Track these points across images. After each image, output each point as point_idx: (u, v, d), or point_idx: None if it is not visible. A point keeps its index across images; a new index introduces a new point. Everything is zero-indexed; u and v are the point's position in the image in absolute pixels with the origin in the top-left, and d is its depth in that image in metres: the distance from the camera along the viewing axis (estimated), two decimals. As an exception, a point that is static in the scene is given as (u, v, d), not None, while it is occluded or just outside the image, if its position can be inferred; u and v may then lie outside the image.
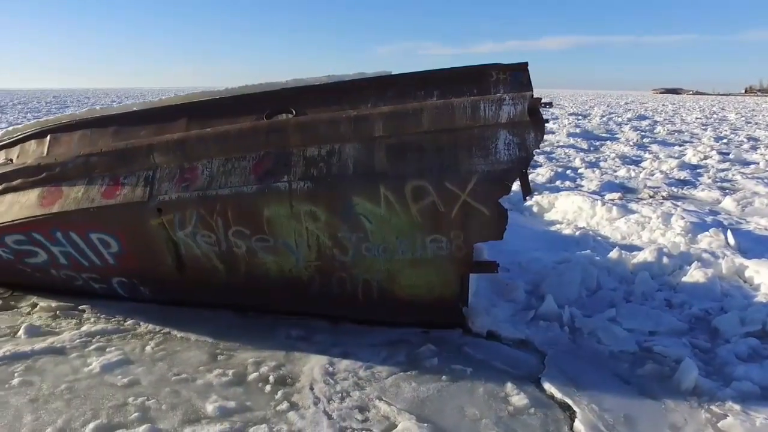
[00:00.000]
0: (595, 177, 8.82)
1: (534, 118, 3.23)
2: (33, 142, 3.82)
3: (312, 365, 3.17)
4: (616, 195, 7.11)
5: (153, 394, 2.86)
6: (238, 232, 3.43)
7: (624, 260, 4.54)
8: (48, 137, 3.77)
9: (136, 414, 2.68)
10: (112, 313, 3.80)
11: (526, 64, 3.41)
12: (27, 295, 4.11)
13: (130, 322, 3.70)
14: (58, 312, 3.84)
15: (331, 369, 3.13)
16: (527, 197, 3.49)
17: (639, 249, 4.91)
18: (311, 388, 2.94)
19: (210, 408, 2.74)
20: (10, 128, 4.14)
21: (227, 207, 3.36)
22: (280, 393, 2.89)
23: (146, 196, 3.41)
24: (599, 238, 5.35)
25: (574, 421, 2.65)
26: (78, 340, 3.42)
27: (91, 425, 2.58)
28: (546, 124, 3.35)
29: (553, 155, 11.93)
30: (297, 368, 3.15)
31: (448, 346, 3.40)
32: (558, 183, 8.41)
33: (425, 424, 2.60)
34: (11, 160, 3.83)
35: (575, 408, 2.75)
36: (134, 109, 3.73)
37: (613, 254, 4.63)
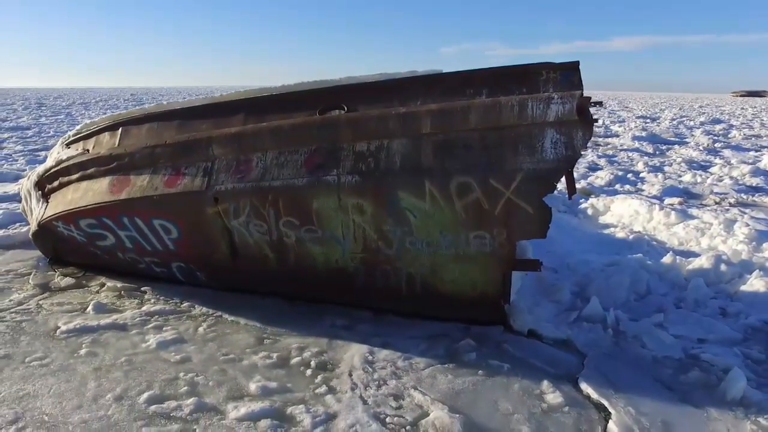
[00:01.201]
0: (658, 181, 8.50)
1: (583, 118, 3.20)
2: (107, 134, 4.13)
3: (352, 353, 3.28)
4: (676, 200, 6.84)
5: (202, 371, 3.05)
6: (288, 223, 3.59)
7: (678, 266, 4.39)
8: (120, 129, 4.07)
9: (185, 388, 2.88)
10: (170, 296, 4.06)
11: (577, 63, 3.39)
12: (97, 275, 4.45)
13: (186, 304, 3.94)
14: (122, 292, 4.14)
15: (370, 357, 3.23)
16: (572, 196, 3.45)
17: (696, 255, 4.72)
18: (350, 375, 3.05)
19: (253, 387, 2.89)
20: (88, 121, 4.48)
21: (279, 198, 3.52)
22: (319, 377, 3.01)
23: (204, 186, 3.63)
24: (654, 242, 5.17)
25: (608, 423, 2.63)
26: (138, 318, 3.69)
27: (145, 395, 2.79)
28: (594, 124, 3.31)
29: (616, 159, 11.55)
30: (338, 355, 3.27)
31: (487, 342, 3.42)
32: (617, 186, 8.16)
33: (457, 415, 2.65)
34: (87, 150, 4.15)
35: (611, 409, 2.72)
36: (197, 104, 3.96)
37: (667, 259, 4.48)
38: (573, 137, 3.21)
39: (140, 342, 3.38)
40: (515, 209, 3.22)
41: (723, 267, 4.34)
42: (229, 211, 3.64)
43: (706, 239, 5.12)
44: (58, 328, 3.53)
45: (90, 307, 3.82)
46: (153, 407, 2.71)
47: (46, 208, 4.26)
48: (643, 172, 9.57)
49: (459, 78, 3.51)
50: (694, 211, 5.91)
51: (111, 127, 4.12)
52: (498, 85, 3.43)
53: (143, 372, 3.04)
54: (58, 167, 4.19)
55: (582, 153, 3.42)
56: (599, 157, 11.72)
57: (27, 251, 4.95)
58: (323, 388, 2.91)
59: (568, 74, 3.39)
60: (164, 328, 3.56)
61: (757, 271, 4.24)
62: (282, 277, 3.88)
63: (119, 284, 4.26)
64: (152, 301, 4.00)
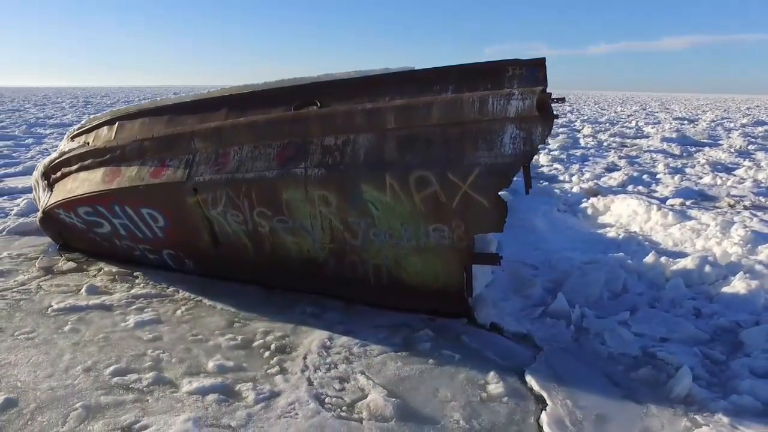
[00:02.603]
0: (673, 183, 8.30)
1: (543, 113, 3.24)
2: (105, 128, 4.41)
3: (313, 338, 3.42)
4: (678, 201, 6.68)
5: (169, 349, 3.26)
6: (261, 213, 3.76)
7: (661, 265, 4.34)
8: (116, 124, 4.34)
9: (149, 363, 3.08)
10: (159, 281, 4.30)
11: (543, 59, 3.43)
12: (98, 261, 4.75)
13: (171, 289, 4.17)
14: (116, 276, 4.41)
15: (328, 343, 3.36)
16: (528, 191, 3.49)
17: (685, 256, 4.65)
18: (304, 358, 3.19)
19: (211, 365, 3.08)
20: (92, 116, 4.78)
21: (252, 189, 3.70)
22: (275, 359, 3.17)
23: (185, 177, 3.84)
24: (647, 243, 5.10)
25: (541, 414, 2.67)
26: (125, 300, 3.93)
27: (111, 368, 3.01)
28: (555, 119, 3.35)
29: (637, 160, 11.30)
30: (299, 340, 3.41)
31: (446, 333, 3.51)
32: (630, 187, 8.02)
33: (393, 399, 2.74)
34: (88, 143, 4.44)
35: (549, 401, 2.77)
36: (185, 100, 4.18)
37: (649, 259, 4.43)
38: (532, 132, 3.26)
39: (120, 321, 3.61)
40: (472, 203, 3.29)
41: (708, 268, 4.27)
42: (208, 201, 3.85)
43: (701, 240, 5.01)
44: (51, 306, 3.81)
45: (83, 289, 4.09)
46: (115, 379, 2.92)
47: (50, 197, 4.58)
48: (661, 173, 9.34)
49: (427, 75, 3.60)
50: (693, 213, 5.78)
51: (109, 122, 4.39)
52: (464, 81, 3.50)
53: (115, 348, 3.26)
54: (61, 158, 4.50)
55: (539, 148, 3.45)
56: (620, 158, 11.48)
57: (41, 238, 5.30)
58: (275, 369, 3.06)
59: (533, 71, 3.43)
60: (145, 310, 3.79)
61: (742, 273, 4.15)
62: (259, 265, 4.06)
63: (115, 269, 4.54)
64: (141, 285, 4.25)
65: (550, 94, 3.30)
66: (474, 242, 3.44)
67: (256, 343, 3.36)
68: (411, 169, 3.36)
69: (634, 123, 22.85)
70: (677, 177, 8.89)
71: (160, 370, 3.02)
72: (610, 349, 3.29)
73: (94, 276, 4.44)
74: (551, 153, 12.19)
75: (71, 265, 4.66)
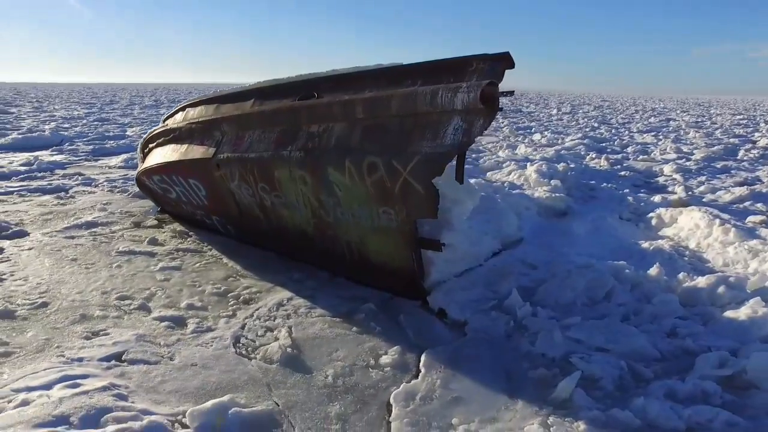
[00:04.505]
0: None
1: (488, 106, 3.32)
2: (180, 113, 5.45)
3: (276, 296, 3.95)
4: (758, 218, 5.61)
5: (167, 288, 4.06)
6: (263, 188, 4.39)
7: (663, 280, 3.95)
8: (186, 110, 5.34)
9: (144, 294, 3.92)
10: (203, 240, 5.21)
11: (506, 54, 3.46)
12: (174, 221, 5.86)
13: (207, 247, 5.04)
14: (177, 234, 5.44)
15: (285, 302, 3.86)
16: (461, 182, 3.52)
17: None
18: (256, 309, 3.73)
19: (184, 303, 3.79)
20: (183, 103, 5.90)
21: (254, 167, 4.34)
22: (234, 307, 3.77)
23: (212, 155, 4.64)
24: (687, 258, 4.56)
25: (401, 386, 2.82)
26: (167, 251, 4.89)
27: (118, 294, 3.91)
28: (498, 112, 3.38)
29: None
30: (266, 297, 3.96)
31: (389, 310, 3.75)
32: (748, 204, 6.92)
33: (290, 350, 3.14)
34: (167, 124, 5.54)
35: (419, 378, 2.90)
36: (228, 91, 5.00)
37: (652, 271, 4.04)
38: (473, 125, 3.35)
39: (152, 265, 4.55)
40: (410, 189, 3.49)
41: (722, 289, 3.77)
42: (227, 176, 4.59)
43: (756, 262, 4.34)
44: (116, 249, 4.92)
45: (146, 241, 5.17)
46: (115, 302, 3.80)
47: (141, 166, 5.80)
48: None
49: (400, 70, 3.87)
50: (764, 231, 4.91)
51: (182, 108, 5.42)
52: (432, 76, 3.70)
53: (132, 282, 4.17)
54: (151, 136, 5.68)
55: (475, 140, 3.48)
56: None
57: (150, 201, 6.64)
58: (227, 313, 3.66)
59: (495, 64, 3.49)
60: (176, 260, 4.69)
61: (759, 299, 3.61)
62: (269, 234, 4.70)
63: (179, 228, 5.59)
64: (188, 242, 5.20)
65: (497, 86, 3.34)
66: (416, 226, 3.63)
67: (231, 294, 3.99)
68: (365, 155, 3.67)
69: None
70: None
71: (147, 300, 3.83)
72: (533, 349, 3.23)
73: (163, 232, 5.52)
74: (691, 159, 10.89)
75: (154, 222, 5.85)
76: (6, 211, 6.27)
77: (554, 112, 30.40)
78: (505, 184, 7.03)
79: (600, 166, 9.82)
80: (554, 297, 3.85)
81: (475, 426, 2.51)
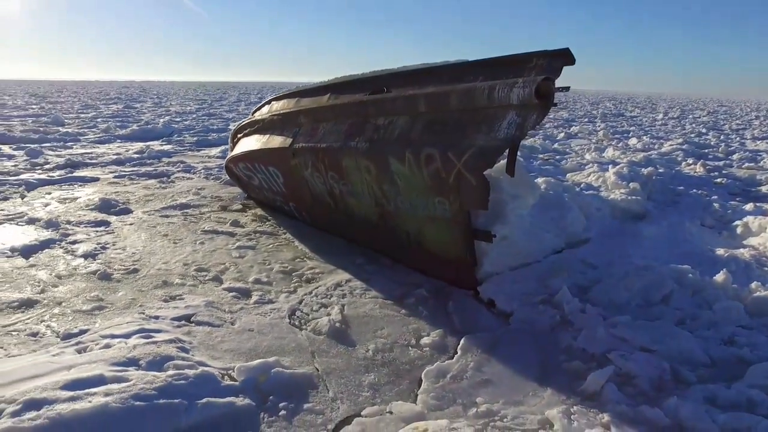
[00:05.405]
0: None
1: (543, 101, 3.37)
2: (266, 106, 5.90)
3: (336, 278, 4.21)
4: None
5: (240, 264, 4.46)
6: (332, 176, 4.68)
7: (730, 288, 3.75)
8: (272, 103, 5.78)
9: (219, 268, 4.34)
10: (280, 225, 5.62)
11: (566, 50, 3.50)
12: (258, 207, 6.34)
13: (282, 231, 5.43)
14: (258, 218, 5.90)
15: (342, 283, 4.11)
16: (512, 175, 3.55)
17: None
18: (316, 287, 4.02)
19: (252, 278, 4.16)
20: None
21: (325, 156, 4.64)
22: (295, 284, 4.08)
23: (289, 144, 5.00)
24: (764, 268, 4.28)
25: (429, 367, 2.95)
26: (245, 232, 5.34)
27: (196, 265, 4.37)
28: (554, 107, 3.42)
29: None
30: (327, 277, 4.24)
31: (440, 297, 3.88)
32: None
33: (338, 325, 3.37)
34: (254, 116, 6.01)
35: (454, 358, 3.03)
36: (309, 86, 5.35)
37: (719, 277, 3.84)
38: (527, 119, 3.42)
39: (230, 244, 4.99)
40: (463, 180, 3.61)
41: (797, 302, 3.55)
42: (301, 164, 4.94)
43: None
44: (203, 228, 5.45)
45: (229, 222, 5.66)
46: (193, 272, 4.25)
47: (230, 154, 6.32)
48: None
49: (464, 67, 3.99)
50: None
51: (268, 102, 5.87)
52: (493, 72, 3.79)
53: (211, 257, 4.62)
54: (240, 127, 6.19)
55: (527, 134, 3.50)
56: None
57: (238, 189, 7.21)
58: (288, 289, 3.97)
59: (553, 61, 3.53)
60: (252, 241, 5.11)
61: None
62: (338, 221, 4.99)
63: (260, 213, 6.04)
64: (266, 225, 5.62)
65: (553, 82, 3.37)
66: (469, 217, 3.74)
67: (296, 273, 4.31)
68: (424, 147, 3.84)
69: None
70: None
71: (221, 273, 4.24)
72: (574, 343, 3.23)
73: (245, 216, 6.00)
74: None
75: (239, 207, 6.36)
76: (117, 192, 7.10)
77: (660, 116, 28.61)
78: (581, 185, 6.87)
79: (695, 172, 9.25)
80: (608, 296, 3.80)
81: (498, 406, 2.60)
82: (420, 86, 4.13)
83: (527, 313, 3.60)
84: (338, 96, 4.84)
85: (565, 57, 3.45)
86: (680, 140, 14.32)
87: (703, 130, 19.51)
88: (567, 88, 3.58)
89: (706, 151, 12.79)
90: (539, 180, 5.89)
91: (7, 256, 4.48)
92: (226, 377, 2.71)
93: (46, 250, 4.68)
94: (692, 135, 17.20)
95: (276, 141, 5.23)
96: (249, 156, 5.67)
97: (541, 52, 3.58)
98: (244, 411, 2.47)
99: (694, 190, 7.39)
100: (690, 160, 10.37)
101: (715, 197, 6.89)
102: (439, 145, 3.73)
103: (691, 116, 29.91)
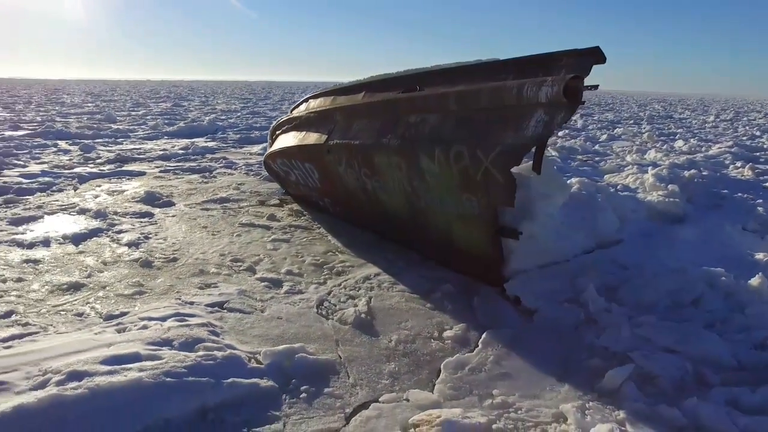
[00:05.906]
0: None
1: (571, 100, 3.38)
2: (304, 104, 6.06)
3: (365, 271, 4.31)
4: None
5: (274, 256, 4.63)
6: (365, 173, 4.79)
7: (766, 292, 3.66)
8: (309, 101, 5.93)
9: (254, 259, 4.51)
10: (315, 220, 5.77)
11: (596, 48, 3.50)
12: (294, 202, 6.52)
13: (316, 225, 5.58)
14: (294, 212, 6.07)
15: (371, 276, 4.21)
16: (538, 172, 3.56)
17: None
18: (345, 280, 4.13)
19: (284, 269, 4.31)
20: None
21: (359, 153, 4.75)
22: (325, 276, 4.21)
23: (324, 141, 5.14)
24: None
25: (448, 359, 3.00)
26: (280, 226, 5.51)
27: (232, 256, 4.55)
28: (582, 105, 3.42)
29: None
30: (356, 270, 4.35)
31: (467, 293, 3.92)
32: None
33: (364, 316, 3.47)
34: (292, 114, 6.18)
35: (473, 352, 3.08)
36: (345, 85, 5.47)
37: (754, 281, 3.75)
38: (554, 118, 3.44)
39: (265, 236, 5.17)
40: (491, 178, 3.65)
41: (836, 308, 3.44)
42: (336, 161, 5.06)
43: None
44: (240, 221, 5.65)
45: (266, 216, 5.85)
46: (228, 262, 4.43)
47: (268, 150, 6.52)
48: None
49: (494, 66, 4.02)
50: None
51: (306, 99, 6.03)
52: (523, 71, 3.82)
53: (247, 249, 4.81)
54: (278, 124, 6.37)
55: (555, 133, 3.50)
56: None
57: (276, 185, 7.41)
58: (318, 281, 4.10)
59: (583, 60, 3.53)
60: (287, 234, 5.27)
61: None
62: (370, 216, 5.10)
63: (296, 207, 6.21)
64: (302, 219, 5.79)
65: (582, 81, 3.38)
66: (497, 214, 3.77)
67: (327, 265, 4.44)
68: (453, 144, 3.89)
69: None
70: None
71: (255, 264, 4.41)
72: (597, 341, 3.23)
73: (282, 210, 6.18)
74: None
75: (276, 202, 6.56)
76: (162, 186, 7.42)
77: (711, 119, 27.56)
78: (617, 186, 6.75)
79: (742, 175, 8.92)
80: (636, 297, 3.77)
81: (513, 399, 2.64)
82: (451, 84, 4.19)
83: (552, 311, 3.60)
84: (372, 94, 4.94)
85: (595, 56, 3.45)
86: (730, 143, 13.79)
87: (757, 133, 18.71)
88: (596, 87, 3.57)
89: (758, 154, 12.29)
90: (573, 180, 5.84)
91: (60, 243, 4.78)
92: (252, 360, 2.85)
93: (94, 238, 4.97)
94: (744, 138, 16.53)
95: (312, 138, 5.37)
96: (286, 152, 5.84)
97: (571, 51, 3.58)
98: (267, 392, 2.59)
99: (740, 194, 7.15)
100: (738, 164, 10.01)
101: (761, 201, 6.66)
102: (468, 142, 3.78)
103: (745, 118, 28.68)
